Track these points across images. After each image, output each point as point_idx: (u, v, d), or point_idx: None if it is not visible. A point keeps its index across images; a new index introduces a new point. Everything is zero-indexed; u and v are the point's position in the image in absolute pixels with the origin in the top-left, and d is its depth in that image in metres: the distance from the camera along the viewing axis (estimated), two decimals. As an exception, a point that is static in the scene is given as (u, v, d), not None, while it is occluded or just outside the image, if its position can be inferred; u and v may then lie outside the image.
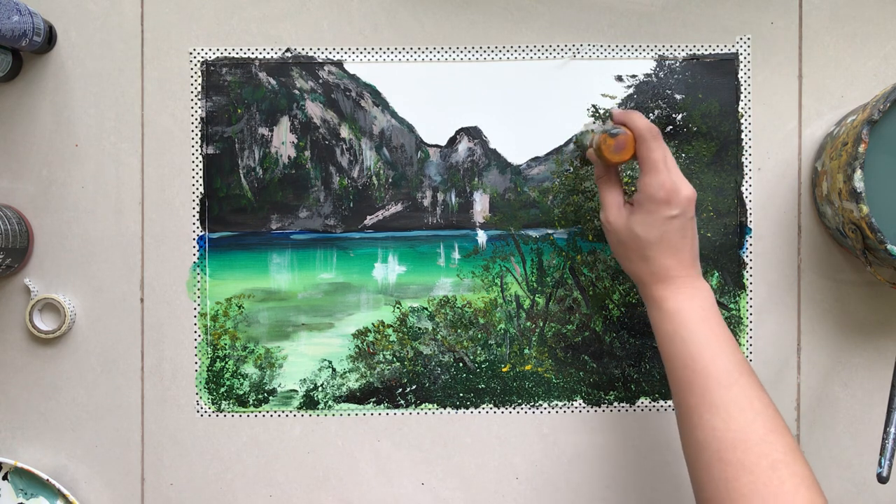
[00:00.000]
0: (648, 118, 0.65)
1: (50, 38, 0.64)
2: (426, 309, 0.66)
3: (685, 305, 0.55)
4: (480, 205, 0.66)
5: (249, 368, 0.66)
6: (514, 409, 0.66)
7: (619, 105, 0.65)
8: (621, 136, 0.56)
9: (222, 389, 0.66)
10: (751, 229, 0.65)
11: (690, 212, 0.56)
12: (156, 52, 0.65)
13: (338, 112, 0.66)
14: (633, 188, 0.64)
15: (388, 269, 0.66)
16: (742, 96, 0.65)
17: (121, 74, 0.65)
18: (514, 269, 0.66)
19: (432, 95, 0.66)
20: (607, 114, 0.65)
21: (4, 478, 0.64)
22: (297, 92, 0.65)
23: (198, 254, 0.65)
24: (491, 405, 0.66)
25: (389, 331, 0.66)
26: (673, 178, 0.55)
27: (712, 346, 0.53)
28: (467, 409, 0.66)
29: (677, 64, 0.65)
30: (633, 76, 0.66)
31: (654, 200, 0.55)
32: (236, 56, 0.65)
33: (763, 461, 0.49)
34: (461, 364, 0.66)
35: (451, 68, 0.66)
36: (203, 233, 0.65)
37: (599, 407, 0.66)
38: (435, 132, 0.66)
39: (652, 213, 0.55)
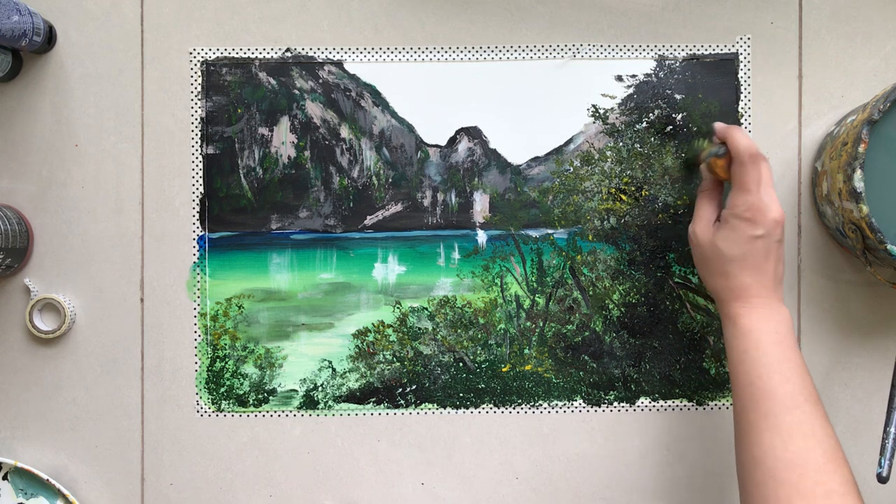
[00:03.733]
0: (648, 118, 0.65)
1: (50, 38, 0.64)
2: (426, 309, 0.66)
3: (759, 326, 0.55)
4: (480, 205, 0.66)
5: (249, 368, 0.66)
6: (514, 409, 0.66)
7: (619, 105, 0.65)
8: (729, 156, 0.57)
9: (222, 389, 0.66)
10: (751, 229, 0.65)
11: (777, 234, 0.55)
12: (156, 52, 0.65)
13: (338, 112, 0.66)
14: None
15: (388, 269, 0.66)
16: (742, 96, 0.65)
17: (121, 74, 0.65)
18: (514, 269, 0.66)
19: (432, 95, 0.66)
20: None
21: (4, 478, 0.64)
22: (297, 92, 0.65)
23: (198, 254, 0.65)
24: (491, 405, 0.66)
25: (389, 331, 0.66)
26: (763, 199, 0.55)
27: (783, 368, 0.53)
28: (467, 409, 0.66)
29: (677, 64, 0.65)
30: (633, 76, 0.66)
31: (739, 218, 0.55)
32: (236, 56, 0.65)
33: (819, 489, 0.49)
34: (461, 364, 0.66)
35: (451, 68, 0.66)
36: (203, 233, 0.65)
37: (599, 407, 0.66)
38: (435, 132, 0.66)
39: (736, 230, 0.55)
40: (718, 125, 0.59)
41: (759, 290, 0.56)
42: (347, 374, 0.66)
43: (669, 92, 0.65)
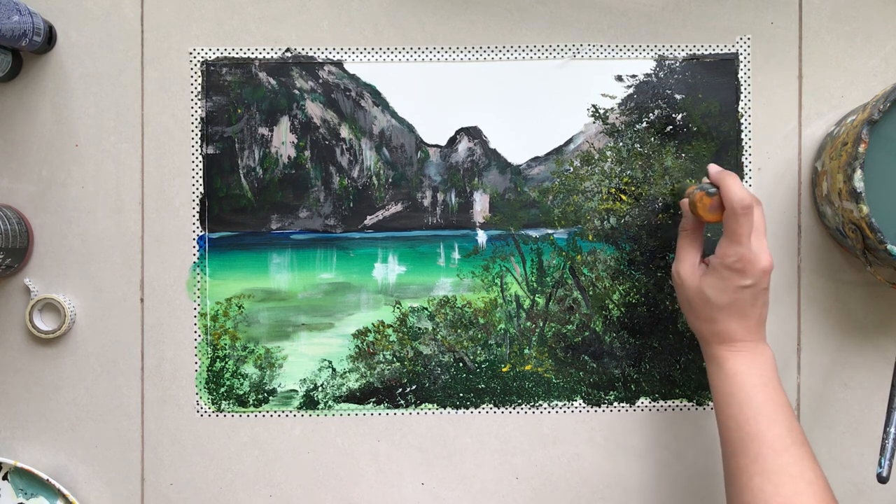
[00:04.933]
0: (648, 118, 0.65)
1: (50, 38, 0.64)
2: (426, 309, 0.66)
3: (744, 369, 0.55)
4: (480, 205, 0.66)
5: (249, 368, 0.66)
6: (514, 409, 0.66)
7: (619, 105, 0.65)
8: (717, 198, 0.56)
9: (222, 389, 0.66)
10: (751, 229, 0.65)
11: (765, 282, 0.55)
12: (156, 52, 0.65)
13: (338, 112, 0.66)
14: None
15: (388, 269, 0.66)
16: (742, 96, 0.65)
17: (121, 74, 0.65)
18: (514, 269, 0.66)
19: (432, 95, 0.66)
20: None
21: (4, 478, 0.64)
22: (297, 92, 0.65)
23: (198, 254, 0.65)
24: (491, 405, 0.66)
25: (389, 331, 0.66)
26: (754, 250, 0.54)
27: (769, 411, 0.53)
28: (467, 409, 0.66)
29: (677, 64, 0.65)
30: (633, 76, 0.66)
31: (729, 269, 0.55)
32: (236, 56, 0.65)
33: None
34: (461, 364, 0.66)
35: (451, 68, 0.66)
36: (203, 233, 0.65)
37: (599, 407, 0.66)
38: (435, 132, 0.66)
39: (725, 279, 0.55)
40: (713, 168, 0.58)
41: (744, 335, 0.56)
42: (347, 374, 0.66)
43: (669, 92, 0.65)
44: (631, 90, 0.66)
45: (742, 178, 0.65)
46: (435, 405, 0.66)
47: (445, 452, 0.66)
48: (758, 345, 0.56)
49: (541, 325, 0.66)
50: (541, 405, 0.66)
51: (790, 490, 0.50)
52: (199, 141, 0.65)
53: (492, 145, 0.66)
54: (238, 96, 0.65)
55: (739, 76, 0.65)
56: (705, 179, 0.59)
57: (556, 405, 0.66)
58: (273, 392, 0.66)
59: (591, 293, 0.66)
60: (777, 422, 0.53)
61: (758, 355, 0.56)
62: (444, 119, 0.66)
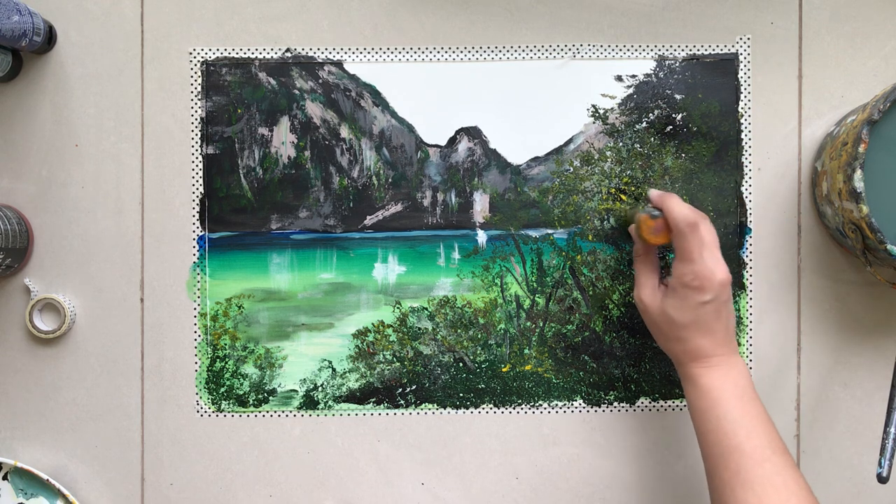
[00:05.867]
0: (648, 118, 0.65)
1: (50, 38, 0.64)
2: (426, 309, 0.66)
3: (719, 384, 0.55)
4: (480, 205, 0.66)
5: (249, 368, 0.66)
6: (514, 409, 0.66)
7: (619, 105, 0.65)
8: (660, 220, 0.57)
9: (222, 389, 0.66)
10: (751, 229, 0.65)
11: (725, 295, 0.55)
12: (156, 52, 0.65)
13: (338, 112, 0.66)
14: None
15: (388, 269, 0.66)
16: (742, 96, 0.65)
17: (121, 74, 0.65)
18: (514, 269, 0.66)
19: (432, 95, 0.66)
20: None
21: (4, 478, 0.64)
22: (297, 92, 0.65)
23: (198, 254, 0.65)
24: (491, 405, 0.66)
25: (389, 331, 0.66)
26: (708, 264, 0.55)
27: (746, 424, 0.53)
28: (467, 409, 0.66)
29: (677, 64, 0.65)
30: (633, 76, 0.66)
31: (687, 287, 0.55)
32: (236, 56, 0.65)
33: None
34: (461, 364, 0.66)
35: (451, 68, 0.66)
36: (203, 233, 0.65)
37: (599, 407, 0.66)
38: (435, 132, 0.66)
39: (685, 298, 0.55)
40: (653, 192, 0.59)
41: (714, 350, 0.56)
42: (347, 374, 0.66)
43: (669, 92, 0.65)
44: (631, 90, 0.66)
45: (742, 178, 0.65)
46: (435, 405, 0.66)
47: (445, 452, 0.66)
48: (730, 358, 0.56)
49: (541, 325, 0.66)
50: (541, 405, 0.66)
51: (774, 500, 0.51)
52: (199, 141, 0.65)
53: (492, 145, 0.66)
54: (238, 96, 0.65)
55: (739, 76, 0.65)
56: (649, 205, 0.59)
57: (556, 405, 0.66)
58: (273, 392, 0.66)
59: (591, 293, 0.66)
60: (756, 433, 0.53)
61: (731, 368, 0.56)
62: (444, 119, 0.66)
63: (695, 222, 0.55)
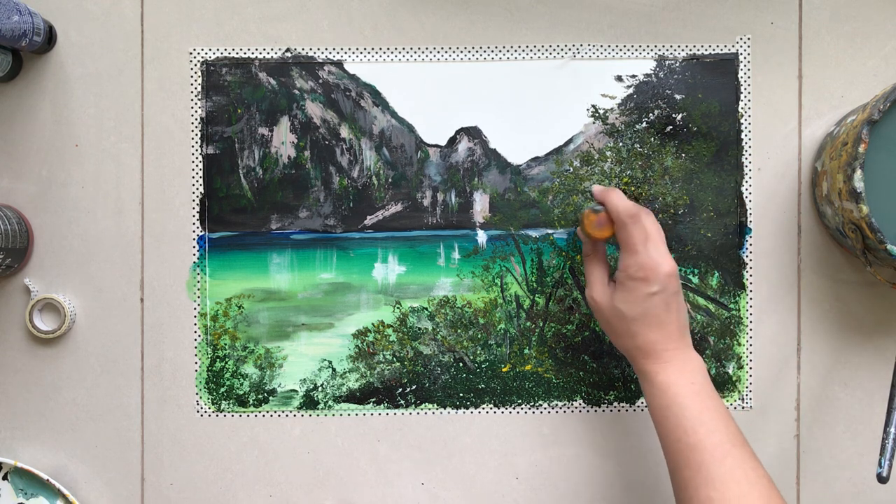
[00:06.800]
0: (648, 118, 0.65)
1: (50, 38, 0.64)
2: (426, 309, 0.66)
3: (675, 379, 0.55)
4: (480, 205, 0.66)
5: (249, 368, 0.66)
6: (514, 409, 0.66)
7: (619, 105, 0.65)
8: (602, 214, 0.58)
9: (222, 389, 0.66)
10: (751, 229, 0.65)
11: (673, 286, 0.56)
12: (156, 52, 0.65)
13: (338, 112, 0.66)
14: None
15: (388, 269, 0.66)
16: (742, 96, 0.65)
17: (121, 74, 0.65)
18: (513, 269, 0.66)
19: (432, 95, 0.66)
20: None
21: (4, 478, 0.64)
22: (297, 92, 0.65)
23: (198, 254, 0.65)
24: (491, 405, 0.66)
25: (389, 331, 0.66)
26: (652, 256, 0.55)
27: (705, 419, 0.53)
28: (467, 409, 0.66)
29: (677, 64, 0.65)
30: (633, 76, 0.66)
31: (633, 279, 0.56)
32: (236, 56, 0.65)
33: None
34: (461, 364, 0.66)
35: (451, 68, 0.66)
36: (203, 233, 0.65)
37: (599, 407, 0.66)
38: (435, 132, 0.66)
39: (632, 291, 0.56)
40: (596, 188, 0.60)
41: (666, 344, 0.56)
42: (347, 374, 0.66)
43: (669, 92, 0.65)
44: (631, 90, 0.66)
45: (742, 178, 0.65)
46: (435, 405, 0.66)
47: (445, 452, 0.66)
48: (684, 352, 0.56)
49: (541, 325, 0.66)
50: (541, 405, 0.66)
51: (735, 493, 0.51)
52: (199, 141, 0.65)
53: (492, 145, 0.66)
54: (238, 96, 0.65)
55: (739, 76, 0.65)
56: (592, 202, 0.60)
57: (556, 405, 0.66)
58: (273, 392, 0.66)
59: (591, 293, 0.66)
60: (715, 429, 0.53)
61: (686, 363, 0.56)
62: (444, 119, 0.66)
63: (636, 213, 0.56)
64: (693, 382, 0.55)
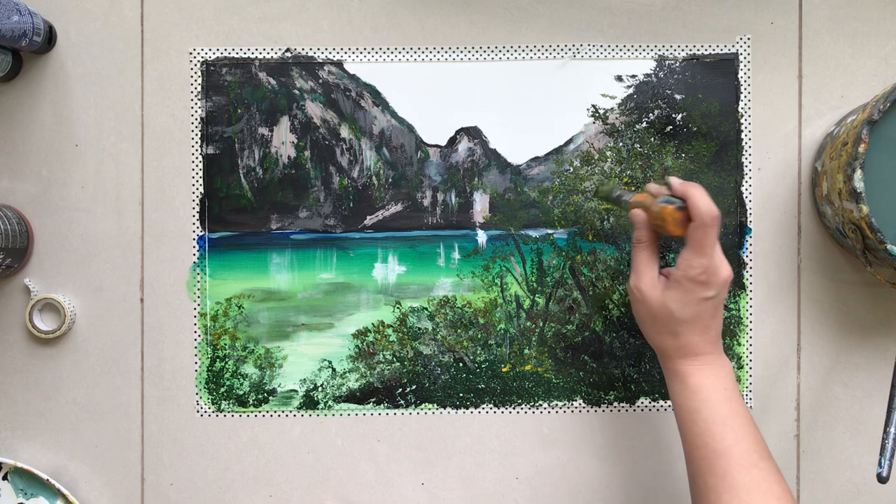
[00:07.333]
0: (648, 118, 0.65)
1: (50, 38, 0.64)
2: (426, 309, 0.66)
3: (709, 383, 0.55)
4: (480, 205, 0.66)
5: (249, 368, 0.66)
6: (514, 409, 0.66)
7: (619, 105, 0.65)
8: (686, 212, 0.54)
9: (222, 389, 0.66)
10: (751, 229, 0.65)
11: (725, 293, 0.55)
12: (156, 52, 0.65)
13: (338, 112, 0.66)
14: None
15: (388, 269, 0.66)
16: (742, 96, 0.65)
17: (121, 74, 0.65)
18: (514, 269, 0.66)
19: (432, 95, 0.66)
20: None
21: (4, 478, 0.64)
22: (297, 92, 0.65)
23: (198, 254, 0.65)
24: (491, 405, 0.66)
25: (389, 331, 0.66)
26: (716, 261, 0.54)
27: (735, 426, 0.53)
28: (467, 409, 0.66)
29: (677, 64, 0.65)
30: (633, 76, 0.66)
31: (693, 280, 0.54)
32: (236, 56, 0.65)
33: None
34: (461, 364, 0.66)
35: (451, 68, 0.66)
36: (203, 233, 0.65)
37: (599, 407, 0.66)
38: (435, 132, 0.66)
39: (689, 292, 0.54)
40: (675, 180, 0.56)
41: (704, 347, 0.55)
42: (347, 374, 0.66)
43: (669, 92, 0.65)
44: (631, 90, 0.66)
45: (742, 178, 0.65)
46: (435, 405, 0.66)
47: (445, 452, 0.66)
48: (718, 357, 0.56)
49: (541, 325, 0.66)
50: (541, 405, 0.66)
51: None
52: (199, 141, 0.65)
53: (492, 145, 0.66)
54: (238, 96, 0.65)
55: (739, 76, 0.65)
56: (654, 190, 0.57)
57: (556, 405, 0.66)
58: (273, 392, 0.66)
59: (591, 293, 0.66)
60: (743, 437, 0.53)
61: (720, 368, 0.55)
62: (444, 119, 0.66)
63: (718, 216, 0.53)
64: (726, 388, 0.54)
